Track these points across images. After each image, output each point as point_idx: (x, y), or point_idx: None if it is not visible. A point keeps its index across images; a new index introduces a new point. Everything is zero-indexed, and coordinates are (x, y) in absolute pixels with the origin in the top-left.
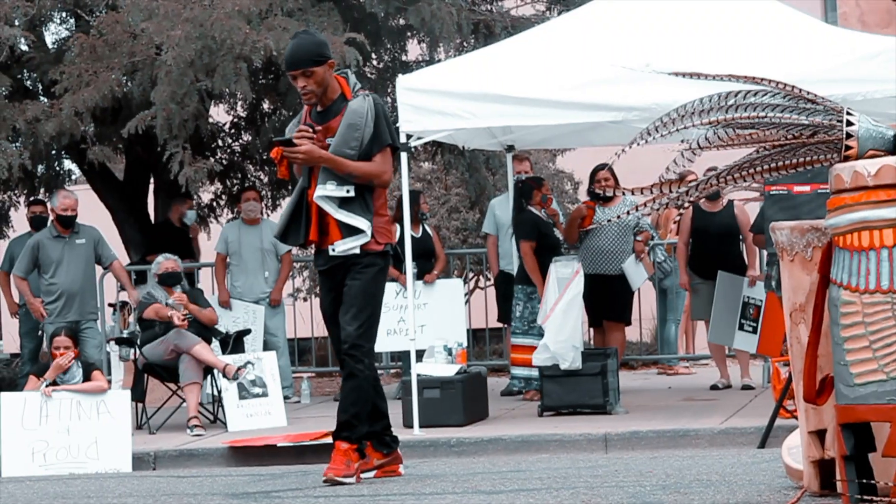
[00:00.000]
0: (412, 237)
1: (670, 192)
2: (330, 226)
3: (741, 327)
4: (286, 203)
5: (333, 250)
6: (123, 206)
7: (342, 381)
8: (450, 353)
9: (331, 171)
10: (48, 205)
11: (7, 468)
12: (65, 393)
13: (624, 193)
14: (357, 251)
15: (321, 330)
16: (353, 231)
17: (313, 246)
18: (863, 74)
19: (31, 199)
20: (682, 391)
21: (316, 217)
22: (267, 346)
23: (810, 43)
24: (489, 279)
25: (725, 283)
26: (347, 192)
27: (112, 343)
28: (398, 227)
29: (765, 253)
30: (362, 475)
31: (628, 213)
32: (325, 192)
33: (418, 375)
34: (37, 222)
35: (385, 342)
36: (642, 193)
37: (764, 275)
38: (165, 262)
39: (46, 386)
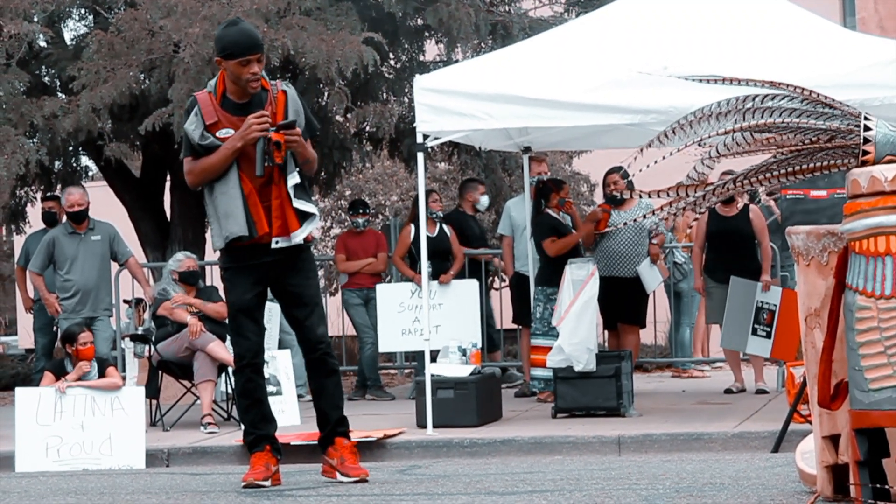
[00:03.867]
0: (428, 237)
1: (686, 195)
2: (277, 216)
3: (754, 332)
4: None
5: (277, 242)
6: (140, 203)
7: (324, 380)
8: (464, 354)
9: (292, 159)
10: (61, 201)
11: (21, 463)
12: (79, 389)
13: (640, 196)
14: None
15: (336, 328)
16: (305, 216)
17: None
18: (881, 79)
19: (46, 194)
20: (695, 394)
21: (262, 208)
22: (282, 345)
23: (828, 47)
24: (504, 280)
25: (738, 288)
26: (300, 179)
27: (127, 340)
28: (413, 226)
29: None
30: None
31: (644, 216)
32: (296, 179)
33: (432, 376)
34: (48, 218)
35: (400, 342)
36: (658, 196)
37: (778, 280)
38: (186, 259)
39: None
